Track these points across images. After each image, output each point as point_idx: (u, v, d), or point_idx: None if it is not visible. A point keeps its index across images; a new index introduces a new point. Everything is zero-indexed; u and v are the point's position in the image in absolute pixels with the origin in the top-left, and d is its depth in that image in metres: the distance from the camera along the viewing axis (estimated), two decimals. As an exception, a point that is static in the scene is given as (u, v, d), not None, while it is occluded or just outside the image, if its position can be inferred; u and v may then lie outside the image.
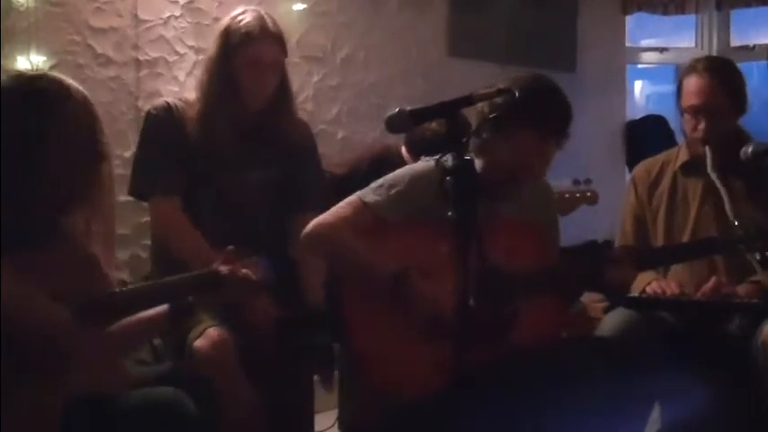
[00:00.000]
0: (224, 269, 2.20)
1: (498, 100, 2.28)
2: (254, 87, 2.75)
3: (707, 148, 2.81)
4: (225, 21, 2.78)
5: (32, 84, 2.07)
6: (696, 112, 2.83)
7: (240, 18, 2.74)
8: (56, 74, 2.18)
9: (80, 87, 2.14)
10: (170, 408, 2.02)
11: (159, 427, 2.00)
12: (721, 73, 2.84)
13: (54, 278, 1.99)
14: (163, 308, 2.16)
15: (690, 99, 2.85)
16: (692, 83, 2.84)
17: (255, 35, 2.72)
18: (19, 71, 2.12)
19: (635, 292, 2.84)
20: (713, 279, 2.74)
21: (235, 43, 2.71)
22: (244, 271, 2.23)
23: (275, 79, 2.80)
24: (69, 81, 2.12)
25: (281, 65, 2.81)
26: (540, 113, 2.37)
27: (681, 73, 2.97)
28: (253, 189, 2.80)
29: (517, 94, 2.20)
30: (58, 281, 2.00)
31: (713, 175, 2.76)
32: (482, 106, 2.35)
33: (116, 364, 2.13)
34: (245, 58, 2.71)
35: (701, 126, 2.82)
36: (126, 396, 2.03)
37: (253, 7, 2.83)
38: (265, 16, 2.78)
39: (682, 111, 2.90)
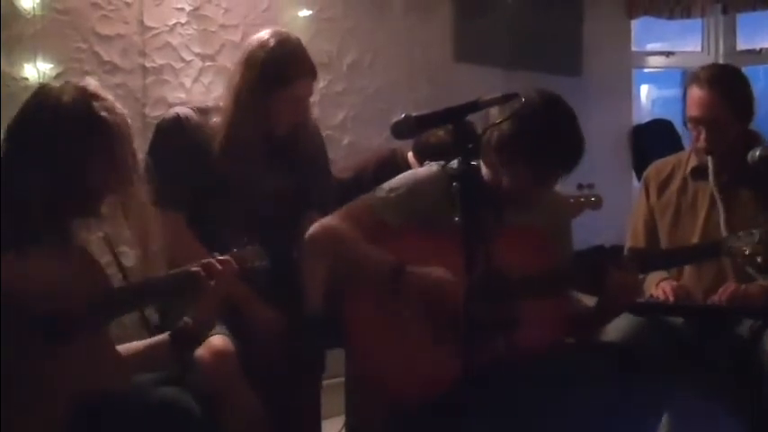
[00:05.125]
0: (196, 267, 2.19)
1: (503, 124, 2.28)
2: (287, 119, 2.74)
3: (709, 159, 2.82)
4: (258, 51, 2.68)
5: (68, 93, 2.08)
6: (697, 123, 2.83)
7: (277, 54, 2.67)
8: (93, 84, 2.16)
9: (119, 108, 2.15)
10: (173, 407, 2.02)
11: (162, 427, 2.00)
12: (723, 83, 2.81)
13: (54, 278, 2.00)
14: (164, 336, 2.20)
15: (691, 110, 2.84)
16: (694, 94, 2.83)
17: (297, 76, 2.68)
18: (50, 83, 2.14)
19: (647, 292, 2.85)
20: (733, 285, 2.73)
21: (271, 80, 2.65)
22: (216, 263, 2.20)
23: (307, 105, 2.79)
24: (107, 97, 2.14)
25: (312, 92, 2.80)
26: (538, 149, 2.33)
27: (686, 81, 2.96)
28: (268, 199, 2.78)
29: (526, 109, 2.19)
30: (58, 281, 2.01)
31: (714, 188, 2.79)
32: (490, 113, 2.34)
33: (118, 363, 2.13)
34: (286, 100, 2.68)
35: (703, 137, 2.82)
36: (129, 396, 2.04)
37: (282, 32, 2.76)
38: (299, 46, 2.72)
39: (685, 120, 2.90)
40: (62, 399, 1.95)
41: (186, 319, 2.20)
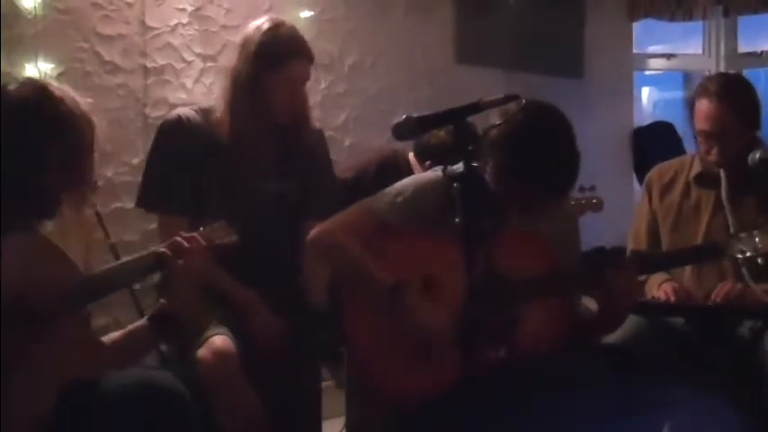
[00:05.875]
0: (162, 247, 2.19)
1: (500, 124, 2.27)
2: (286, 105, 2.74)
3: (721, 172, 2.83)
4: (254, 34, 2.72)
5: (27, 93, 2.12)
6: (707, 137, 2.83)
7: (272, 35, 2.70)
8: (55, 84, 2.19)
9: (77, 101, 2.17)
10: (161, 390, 2.03)
11: (150, 409, 2.00)
12: (733, 95, 2.80)
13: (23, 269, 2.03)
14: (142, 321, 2.18)
15: (701, 124, 2.83)
16: (704, 107, 2.81)
17: (292, 56, 2.71)
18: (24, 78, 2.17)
19: (648, 294, 2.86)
20: (729, 284, 2.73)
21: (269, 63, 2.68)
22: (183, 241, 2.19)
23: (304, 93, 2.81)
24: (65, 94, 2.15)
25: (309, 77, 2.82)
26: (527, 171, 2.28)
27: (693, 91, 2.94)
28: (271, 199, 2.78)
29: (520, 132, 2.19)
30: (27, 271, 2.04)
31: (726, 201, 2.82)
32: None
33: (99, 350, 2.13)
34: (281, 80, 2.70)
35: (714, 150, 2.82)
36: (116, 380, 2.04)
37: (278, 18, 2.80)
38: (294, 30, 2.76)
39: (694, 133, 2.90)
40: (43, 387, 1.96)
41: (162, 300, 2.18)
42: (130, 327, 2.21)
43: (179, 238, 2.20)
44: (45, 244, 2.12)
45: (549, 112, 2.34)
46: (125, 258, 2.25)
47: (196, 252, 2.20)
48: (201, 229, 2.29)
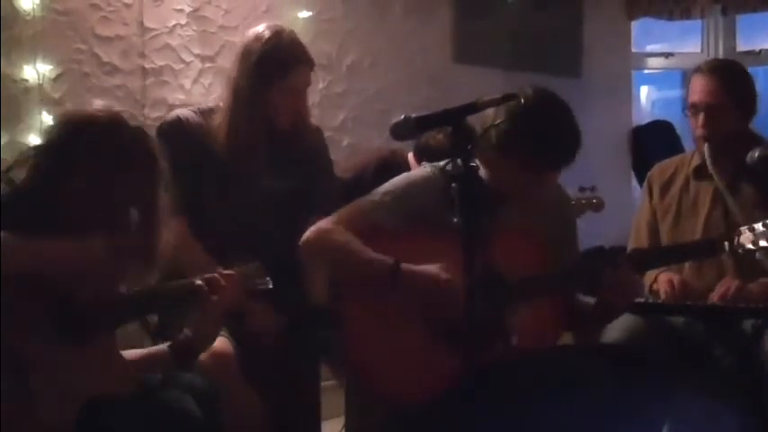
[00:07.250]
0: (200, 280, 2.17)
1: (500, 116, 2.27)
2: (287, 112, 2.74)
3: (706, 146, 2.83)
4: (254, 44, 2.71)
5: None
6: (696, 109, 2.85)
7: (273, 45, 2.69)
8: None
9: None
10: (174, 411, 2.02)
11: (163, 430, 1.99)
12: (725, 73, 2.86)
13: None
14: (163, 347, 2.19)
15: (691, 97, 2.88)
16: (696, 82, 2.87)
17: (294, 65, 2.70)
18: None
19: (646, 285, 2.88)
20: (727, 283, 2.73)
21: (272, 75, 2.68)
22: (221, 278, 2.17)
23: (305, 99, 2.81)
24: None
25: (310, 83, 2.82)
26: (538, 145, 2.31)
27: (689, 77, 2.99)
28: (270, 199, 2.77)
29: (522, 106, 2.19)
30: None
31: (714, 174, 2.82)
32: (488, 113, 2.33)
33: (123, 367, 2.13)
34: (284, 90, 2.70)
35: (701, 122, 2.83)
36: (131, 400, 2.03)
37: (277, 25, 2.79)
38: (295, 37, 2.75)
39: (686, 114, 2.92)
40: (69, 400, 1.94)
41: (186, 331, 2.18)
42: (150, 350, 2.21)
43: (217, 275, 2.18)
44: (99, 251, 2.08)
45: (547, 93, 2.38)
46: (163, 284, 2.22)
47: (231, 291, 2.19)
48: (238, 267, 2.26)
